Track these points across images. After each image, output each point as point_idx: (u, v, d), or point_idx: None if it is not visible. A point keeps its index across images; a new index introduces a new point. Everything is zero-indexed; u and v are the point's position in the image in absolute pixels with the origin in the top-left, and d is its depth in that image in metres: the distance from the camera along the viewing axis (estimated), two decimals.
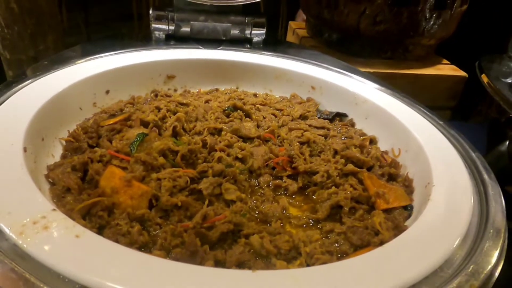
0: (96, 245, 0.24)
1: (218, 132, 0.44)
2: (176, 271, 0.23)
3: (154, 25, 0.58)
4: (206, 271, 0.24)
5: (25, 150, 0.32)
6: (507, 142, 0.63)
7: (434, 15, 0.63)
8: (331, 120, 0.52)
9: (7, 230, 0.24)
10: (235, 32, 0.61)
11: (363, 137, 0.48)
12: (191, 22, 0.58)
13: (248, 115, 0.49)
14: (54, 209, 0.26)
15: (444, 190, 0.34)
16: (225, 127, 0.45)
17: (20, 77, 0.42)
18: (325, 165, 0.41)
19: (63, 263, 0.22)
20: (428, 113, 0.48)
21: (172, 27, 0.58)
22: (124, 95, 0.50)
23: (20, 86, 0.41)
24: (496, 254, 0.28)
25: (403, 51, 0.69)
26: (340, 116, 0.53)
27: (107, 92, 0.48)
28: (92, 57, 0.50)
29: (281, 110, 0.52)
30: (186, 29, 0.59)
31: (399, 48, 0.69)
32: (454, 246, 0.27)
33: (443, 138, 0.43)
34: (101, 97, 0.47)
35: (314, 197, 0.39)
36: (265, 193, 0.39)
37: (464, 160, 0.40)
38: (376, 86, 0.54)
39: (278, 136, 0.46)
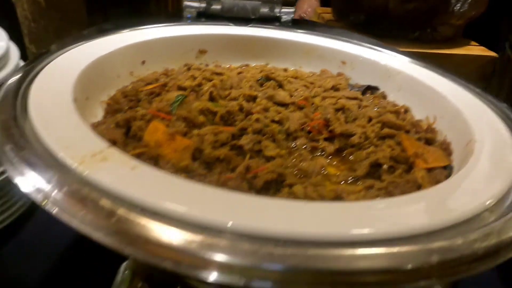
0: (153, 174, 0.24)
1: (253, 99, 0.45)
2: (232, 197, 0.24)
3: (186, 2, 0.59)
4: (262, 199, 0.24)
5: (75, 100, 0.33)
6: None
7: None
8: (363, 93, 0.52)
9: (67, 160, 0.24)
10: (264, 10, 0.61)
11: (397, 107, 0.47)
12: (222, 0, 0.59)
13: (280, 85, 0.49)
14: (110, 146, 0.27)
15: (486, 145, 0.34)
16: (259, 94, 0.45)
17: (62, 44, 0.44)
18: (362, 128, 0.41)
19: (122, 187, 0.23)
20: (463, 81, 0.47)
21: (203, 5, 0.59)
22: (158, 67, 0.51)
23: (63, 51, 0.42)
24: None
25: (432, 31, 0.69)
26: (371, 89, 0.53)
27: (143, 62, 0.49)
28: (128, 29, 0.51)
29: (312, 83, 0.52)
30: (216, 6, 0.60)
31: (427, 28, 0.68)
32: (506, 188, 0.27)
33: (480, 103, 0.42)
34: (137, 67, 0.48)
35: (352, 158, 0.39)
36: (302, 153, 0.39)
37: (504, 122, 0.39)
38: (409, 59, 0.53)
39: (312, 104, 0.46)
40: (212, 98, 0.43)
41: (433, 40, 0.70)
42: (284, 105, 0.44)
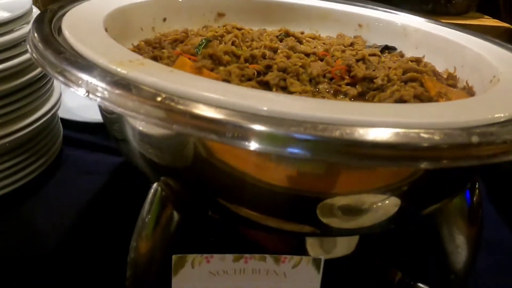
0: (193, 76, 0.25)
1: (274, 51, 0.45)
2: (263, 93, 0.24)
3: None
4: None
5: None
6: None
7: None
8: (381, 53, 0.52)
9: (106, 63, 0.25)
10: None
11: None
12: None
13: (300, 41, 0.50)
14: (145, 58, 0.27)
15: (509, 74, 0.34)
16: (280, 46, 0.46)
17: None
18: (385, 71, 0.41)
19: (163, 81, 0.23)
20: (480, 34, 0.48)
21: None
22: (178, 26, 0.52)
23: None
24: None
25: (445, 3, 0.69)
26: (388, 49, 0.53)
27: (164, 19, 0.50)
28: None
29: (330, 43, 0.53)
30: None
31: (441, 0, 0.69)
32: None
33: (500, 49, 0.43)
34: (159, 23, 0.49)
35: (375, 100, 0.40)
36: (325, 96, 0.39)
37: None
38: (424, 19, 0.54)
39: (333, 56, 0.47)
40: (234, 46, 0.43)
41: (447, 13, 0.70)
42: (306, 54, 0.45)
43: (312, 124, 0.20)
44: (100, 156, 0.61)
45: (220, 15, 0.56)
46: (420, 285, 0.44)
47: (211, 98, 0.22)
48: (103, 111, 0.36)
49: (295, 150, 0.20)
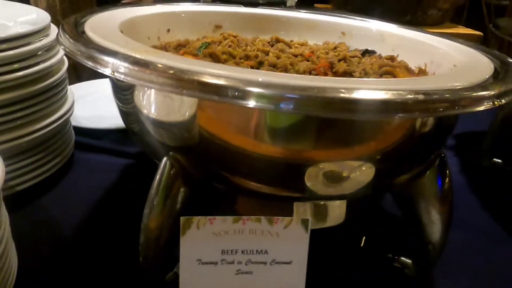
0: (200, 61, 0.30)
1: (266, 53, 0.51)
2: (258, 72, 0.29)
3: None
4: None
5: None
6: None
7: None
8: (362, 56, 0.59)
9: (125, 51, 0.30)
10: None
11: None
12: None
13: (289, 47, 0.56)
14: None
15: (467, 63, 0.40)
16: (272, 49, 0.52)
17: (101, 9, 0.51)
18: (363, 67, 0.47)
19: (175, 62, 0.29)
20: (446, 36, 0.54)
21: None
22: (180, 36, 0.58)
23: (103, 12, 0.49)
24: None
25: (422, 14, 0.76)
26: (369, 52, 0.60)
27: (168, 30, 0.56)
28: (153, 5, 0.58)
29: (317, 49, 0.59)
30: None
31: (417, 11, 0.76)
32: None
33: (460, 45, 0.49)
34: (163, 33, 0.55)
35: None
36: None
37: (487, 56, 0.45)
38: (397, 26, 0.61)
39: (318, 57, 0.53)
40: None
41: (423, 23, 0.77)
42: (294, 55, 0.51)
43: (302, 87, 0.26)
44: (108, 158, 0.66)
45: (218, 27, 0.62)
46: (403, 258, 0.48)
47: (215, 72, 0.27)
48: (120, 103, 0.41)
49: (286, 106, 0.25)
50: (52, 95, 0.57)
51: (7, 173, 0.53)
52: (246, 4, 0.67)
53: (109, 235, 0.50)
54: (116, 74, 0.28)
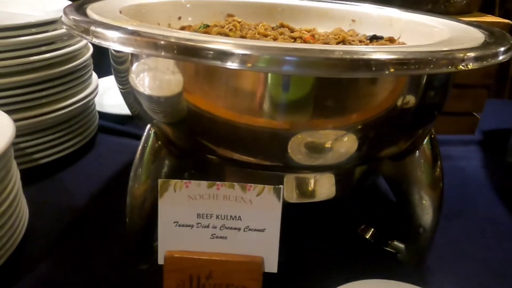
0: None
1: (265, 36, 0.53)
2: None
3: None
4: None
5: None
6: None
7: None
8: (370, 41, 0.58)
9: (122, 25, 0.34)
10: None
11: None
12: None
13: (292, 31, 0.57)
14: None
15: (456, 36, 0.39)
16: (271, 33, 0.53)
17: None
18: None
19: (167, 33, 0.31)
20: (453, 18, 0.52)
21: None
22: (191, 24, 0.61)
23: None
24: None
25: (444, 2, 0.74)
26: (376, 38, 0.59)
27: (179, 18, 0.59)
28: None
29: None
30: None
31: (439, 1, 0.74)
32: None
33: (469, 28, 0.47)
34: (174, 20, 0.59)
35: None
36: None
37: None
38: (410, 11, 0.59)
39: (318, 40, 0.53)
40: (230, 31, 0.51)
41: (446, 12, 0.74)
42: (292, 38, 0.52)
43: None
44: (128, 140, 0.71)
45: (230, 15, 0.65)
46: (395, 242, 0.47)
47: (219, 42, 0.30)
48: (116, 78, 0.44)
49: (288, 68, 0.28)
50: (76, 77, 0.62)
51: (32, 146, 0.59)
52: None
53: (113, 207, 0.53)
54: (110, 44, 0.31)
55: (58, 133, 0.61)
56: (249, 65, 0.29)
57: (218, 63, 0.29)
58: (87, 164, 0.63)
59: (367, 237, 0.48)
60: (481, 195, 0.61)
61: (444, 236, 0.49)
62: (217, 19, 0.64)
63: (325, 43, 0.48)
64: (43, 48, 0.56)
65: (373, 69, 0.29)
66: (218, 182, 0.37)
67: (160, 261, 0.38)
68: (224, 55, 0.29)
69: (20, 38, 0.54)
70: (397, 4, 0.76)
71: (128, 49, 0.31)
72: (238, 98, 0.36)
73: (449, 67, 0.31)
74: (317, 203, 0.44)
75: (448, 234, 0.51)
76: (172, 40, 0.30)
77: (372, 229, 0.48)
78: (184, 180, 0.37)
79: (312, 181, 0.44)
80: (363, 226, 0.49)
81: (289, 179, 0.43)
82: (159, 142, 0.39)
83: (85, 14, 0.38)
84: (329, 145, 0.38)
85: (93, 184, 0.58)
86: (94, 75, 0.69)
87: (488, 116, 0.79)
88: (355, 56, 0.29)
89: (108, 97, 0.82)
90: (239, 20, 0.58)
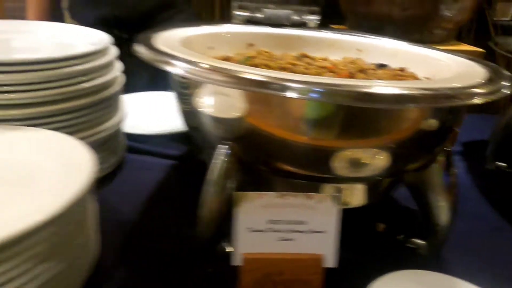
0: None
1: (294, 66, 0.61)
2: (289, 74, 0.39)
3: (236, 12, 0.77)
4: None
5: None
6: None
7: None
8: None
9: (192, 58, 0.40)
10: (295, 18, 0.79)
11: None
12: (264, 9, 0.78)
13: (314, 61, 0.65)
14: None
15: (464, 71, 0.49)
16: (299, 63, 0.61)
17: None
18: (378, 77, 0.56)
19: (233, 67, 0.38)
20: (449, 51, 0.63)
21: (249, 14, 0.78)
22: (221, 52, 0.68)
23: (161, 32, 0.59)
24: None
25: (428, 33, 0.86)
26: (382, 66, 0.69)
27: (211, 48, 0.66)
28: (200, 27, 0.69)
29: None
30: (260, 15, 0.78)
31: (424, 31, 0.85)
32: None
33: (469, 62, 0.57)
34: (208, 50, 0.65)
35: None
36: None
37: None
38: (409, 43, 0.70)
39: (340, 69, 0.62)
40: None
41: (430, 42, 0.86)
42: (320, 67, 0.60)
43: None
44: (155, 159, 0.75)
45: (250, 44, 0.72)
46: (415, 240, 0.56)
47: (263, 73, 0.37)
48: (181, 103, 0.51)
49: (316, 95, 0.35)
50: (114, 102, 0.67)
51: None
52: (272, 25, 0.77)
53: (159, 218, 0.58)
54: (187, 75, 0.37)
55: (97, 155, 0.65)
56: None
57: (291, 94, 0.37)
58: (121, 182, 0.68)
59: (380, 230, 0.56)
60: (470, 198, 0.71)
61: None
62: (241, 48, 0.71)
63: (350, 73, 0.57)
64: (91, 76, 0.61)
65: (417, 102, 0.38)
66: (286, 193, 0.44)
67: (236, 262, 0.44)
68: (292, 90, 0.37)
69: (75, 67, 0.58)
70: (388, 34, 0.87)
71: (212, 82, 0.38)
72: (295, 122, 0.44)
73: (468, 100, 0.40)
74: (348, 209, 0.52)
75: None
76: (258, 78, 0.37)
77: (384, 225, 0.57)
78: (258, 192, 0.43)
79: (346, 191, 0.52)
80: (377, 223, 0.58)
81: (326, 188, 0.51)
82: (231, 160, 0.46)
83: (157, 47, 0.45)
84: (367, 161, 0.46)
85: (131, 200, 0.63)
86: (122, 100, 0.74)
87: (466, 129, 0.91)
88: (404, 92, 0.37)
89: (133, 116, 0.85)
90: (265, 50, 0.66)
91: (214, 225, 0.47)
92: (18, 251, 0.34)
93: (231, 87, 0.39)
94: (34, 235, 0.35)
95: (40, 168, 0.45)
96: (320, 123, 0.43)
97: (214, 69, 0.38)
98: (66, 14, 1.17)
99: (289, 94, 0.35)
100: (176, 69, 0.40)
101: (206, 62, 0.40)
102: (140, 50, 0.45)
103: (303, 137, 0.44)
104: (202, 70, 0.39)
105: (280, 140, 0.45)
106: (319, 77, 0.46)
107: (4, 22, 0.73)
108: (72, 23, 1.12)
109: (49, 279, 0.37)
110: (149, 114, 0.89)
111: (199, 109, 0.46)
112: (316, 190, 0.50)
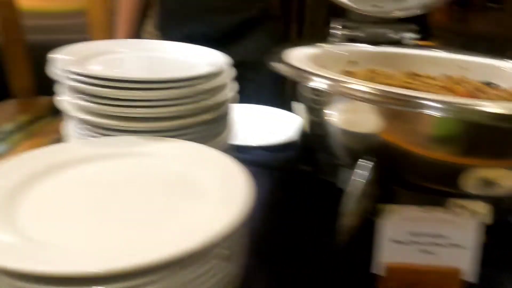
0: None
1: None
2: None
3: (335, 31, 0.81)
4: None
5: None
6: None
7: None
8: None
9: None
10: (392, 36, 0.82)
11: None
12: (363, 28, 0.81)
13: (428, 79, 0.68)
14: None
15: None
16: (415, 82, 0.64)
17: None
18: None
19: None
20: None
21: (349, 32, 0.81)
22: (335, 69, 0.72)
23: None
24: None
25: None
26: (489, 84, 0.70)
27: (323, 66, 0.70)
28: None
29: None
30: (359, 34, 0.81)
31: None
32: None
33: None
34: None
35: None
36: None
37: None
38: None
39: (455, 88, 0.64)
40: None
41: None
42: (436, 86, 0.63)
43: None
44: (258, 169, 0.80)
45: (353, 62, 0.75)
46: None
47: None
48: (315, 117, 0.55)
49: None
50: (225, 119, 0.72)
51: None
52: (370, 43, 0.80)
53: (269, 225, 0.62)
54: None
55: None
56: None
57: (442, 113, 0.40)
58: None
59: None
60: None
61: None
62: (346, 67, 0.75)
63: (470, 91, 0.59)
64: (204, 97, 0.66)
65: None
66: (428, 207, 0.46)
67: (377, 271, 0.47)
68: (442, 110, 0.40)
69: (199, 86, 0.63)
70: (482, 51, 0.88)
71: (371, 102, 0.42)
72: (432, 140, 0.46)
73: None
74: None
75: None
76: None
77: None
78: (400, 205, 0.46)
79: (469, 207, 0.54)
80: None
81: (450, 203, 0.53)
82: (372, 175, 0.49)
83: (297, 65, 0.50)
84: (496, 181, 0.48)
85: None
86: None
87: None
88: None
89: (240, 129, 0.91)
90: (374, 69, 0.69)
91: (351, 234, 0.50)
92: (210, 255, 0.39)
93: (387, 106, 0.42)
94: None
95: (202, 181, 0.49)
96: (452, 140, 0.46)
97: (372, 90, 0.42)
98: (154, 33, 1.25)
99: (440, 114, 0.39)
100: (321, 85, 0.45)
101: (359, 83, 0.45)
102: (280, 67, 0.51)
103: (438, 154, 0.47)
104: (355, 90, 0.43)
105: (417, 157, 0.47)
106: (456, 97, 0.48)
107: (132, 41, 0.80)
108: None
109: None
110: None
111: (340, 125, 0.50)
112: (441, 204, 0.52)
